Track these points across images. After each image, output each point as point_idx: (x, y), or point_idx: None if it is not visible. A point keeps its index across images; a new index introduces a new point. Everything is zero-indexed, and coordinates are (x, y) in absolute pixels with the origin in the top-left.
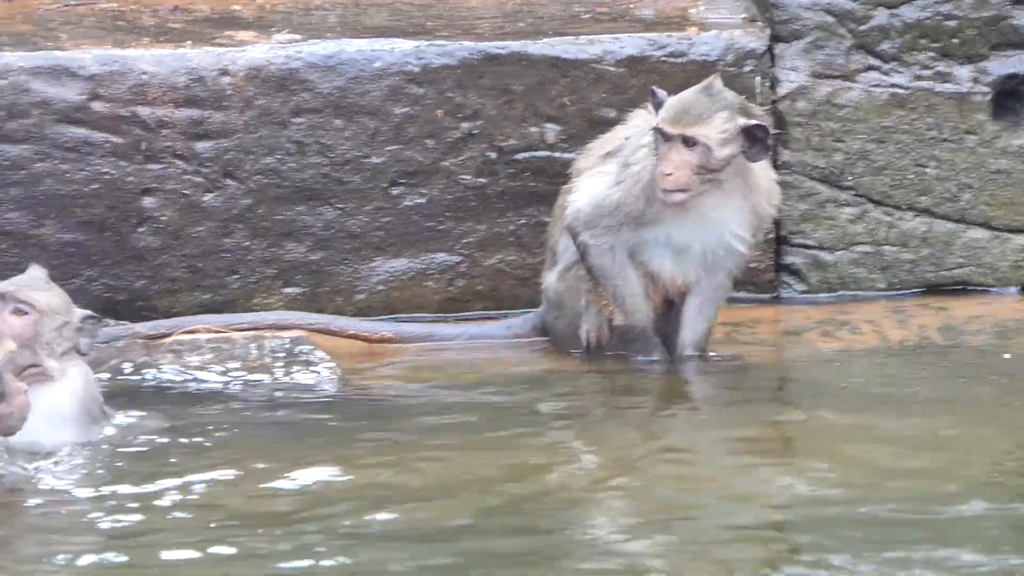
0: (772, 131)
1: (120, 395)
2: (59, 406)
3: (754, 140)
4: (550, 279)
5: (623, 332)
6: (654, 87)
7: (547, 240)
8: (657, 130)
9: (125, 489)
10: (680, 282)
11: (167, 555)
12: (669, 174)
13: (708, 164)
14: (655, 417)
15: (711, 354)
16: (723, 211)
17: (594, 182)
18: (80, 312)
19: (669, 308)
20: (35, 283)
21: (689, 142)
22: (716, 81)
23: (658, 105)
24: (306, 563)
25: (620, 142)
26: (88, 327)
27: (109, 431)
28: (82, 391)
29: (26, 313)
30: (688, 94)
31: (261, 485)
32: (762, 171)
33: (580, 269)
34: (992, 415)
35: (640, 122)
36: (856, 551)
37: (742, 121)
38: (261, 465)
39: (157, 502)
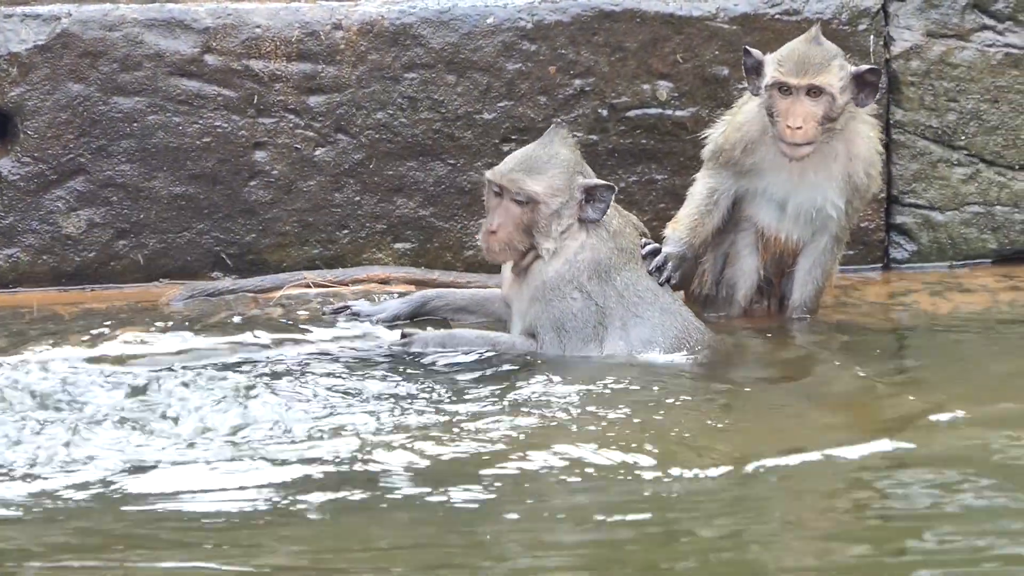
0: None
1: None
2: (536, 285)
3: (862, 85)
4: None
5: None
6: (747, 46)
7: None
8: (779, 84)
9: None
10: (783, 238)
11: None
12: (799, 127)
13: (831, 113)
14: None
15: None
16: (820, 173)
17: (715, 133)
18: (583, 183)
19: (783, 272)
20: (536, 165)
21: (814, 92)
22: (818, 30)
23: (754, 66)
24: None
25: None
26: (597, 195)
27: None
28: (559, 270)
29: (525, 203)
30: (800, 46)
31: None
32: (865, 139)
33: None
34: None
35: None
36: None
37: (853, 68)
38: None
39: None
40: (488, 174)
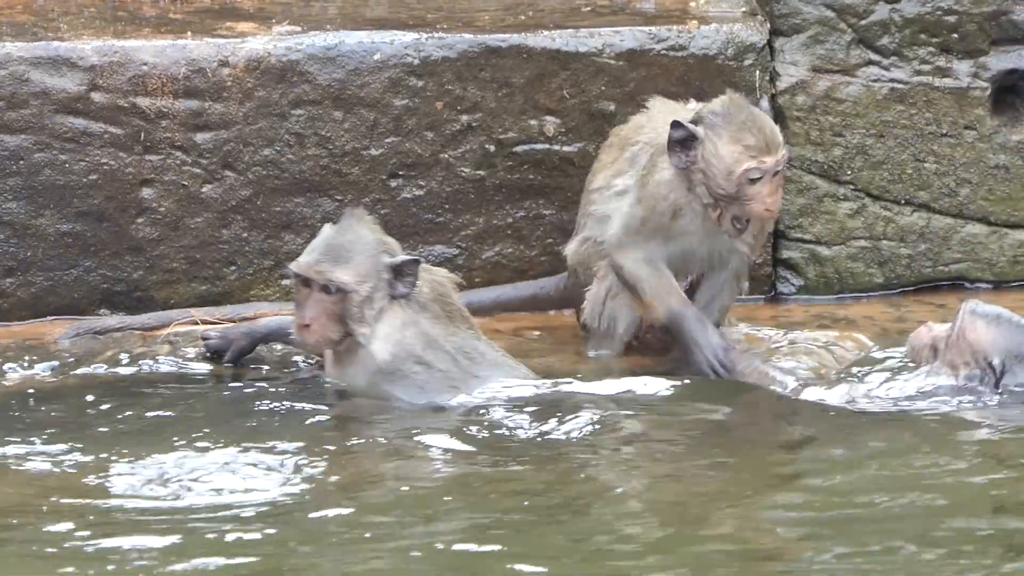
0: None
1: (117, 387)
2: (371, 370)
3: None
4: (569, 247)
5: (670, 322)
6: (678, 120)
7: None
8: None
9: None
10: (683, 274)
11: None
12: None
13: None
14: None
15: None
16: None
17: (621, 205)
18: (389, 262)
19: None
20: (341, 253)
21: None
22: (742, 97)
23: (683, 139)
24: None
25: (638, 146)
26: (404, 272)
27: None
28: (393, 352)
29: (335, 292)
30: (754, 119)
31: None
32: None
33: (592, 245)
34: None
35: (658, 124)
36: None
37: None
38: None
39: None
40: (292, 267)
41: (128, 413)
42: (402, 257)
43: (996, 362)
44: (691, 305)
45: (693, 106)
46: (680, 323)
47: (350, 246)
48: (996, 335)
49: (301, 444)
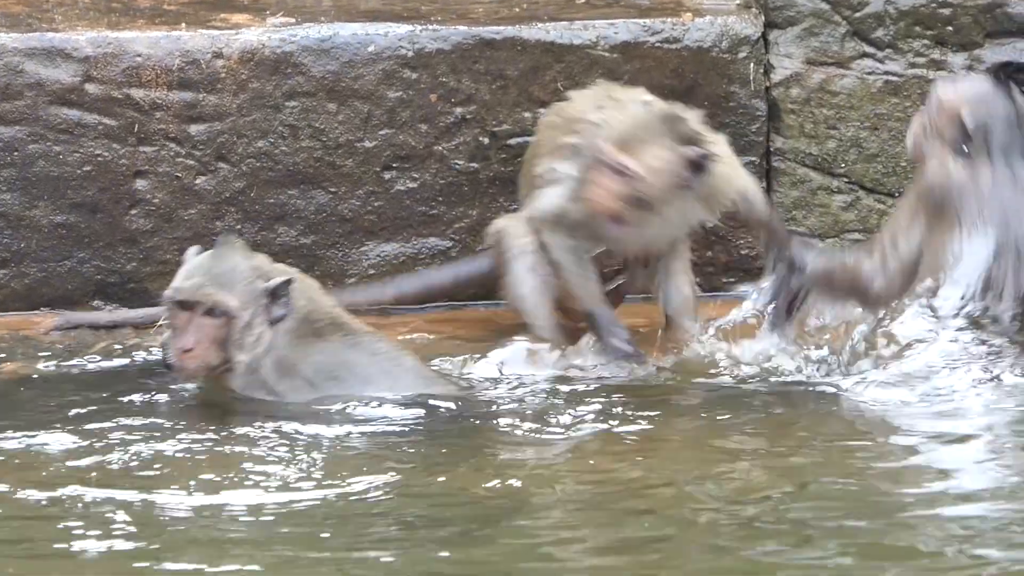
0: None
1: (110, 378)
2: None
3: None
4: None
5: (586, 319)
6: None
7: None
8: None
9: None
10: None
11: None
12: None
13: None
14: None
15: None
16: (664, 228)
17: (562, 191)
18: (263, 287)
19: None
20: (223, 278)
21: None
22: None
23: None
24: None
25: (578, 139)
26: (279, 294)
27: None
28: (247, 380)
29: (219, 317)
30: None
31: None
32: (723, 176)
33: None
34: None
35: (608, 115)
36: None
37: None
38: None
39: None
40: (171, 292)
41: (122, 407)
42: (276, 280)
43: (967, 117)
44: (606, 306)
45: (642, 93)
46: (594, 322)
47: (230, 272)
48: (965, 89)
49: (283, 442)
